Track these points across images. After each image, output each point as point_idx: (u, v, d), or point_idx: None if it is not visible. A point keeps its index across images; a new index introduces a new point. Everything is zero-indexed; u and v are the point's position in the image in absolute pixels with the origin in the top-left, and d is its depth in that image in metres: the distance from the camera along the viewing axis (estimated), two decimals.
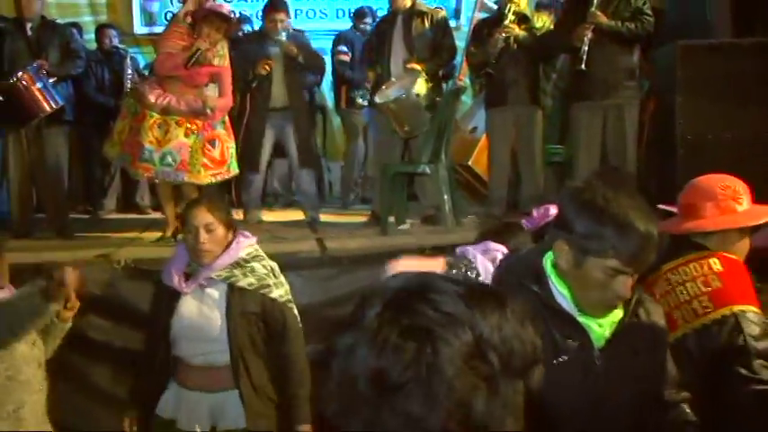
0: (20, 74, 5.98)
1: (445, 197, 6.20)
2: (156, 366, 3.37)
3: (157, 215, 7.13)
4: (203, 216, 3.26)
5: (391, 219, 6.32)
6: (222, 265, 3.26)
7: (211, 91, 5.90)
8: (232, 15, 6.10)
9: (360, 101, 7.79)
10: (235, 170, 6.03)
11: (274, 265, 3.43)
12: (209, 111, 5.74)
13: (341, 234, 6.15)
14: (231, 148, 5.97)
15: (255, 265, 3.31)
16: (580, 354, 1.97)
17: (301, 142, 6.71)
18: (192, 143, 5.72)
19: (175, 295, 3.32)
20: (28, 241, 6.05)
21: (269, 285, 3.30)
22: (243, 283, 3.25)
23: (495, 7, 6.94)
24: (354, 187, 8.51)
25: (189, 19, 5.85)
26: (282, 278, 3.41)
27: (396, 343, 0.96)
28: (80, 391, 4.77)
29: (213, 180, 5.86)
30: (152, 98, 5.75)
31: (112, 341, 4.94)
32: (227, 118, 6.02)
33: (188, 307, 3.30)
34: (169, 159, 5.67)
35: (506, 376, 0.98)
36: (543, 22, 6.47)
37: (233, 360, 3.23)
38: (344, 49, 7.85)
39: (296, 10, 8.54)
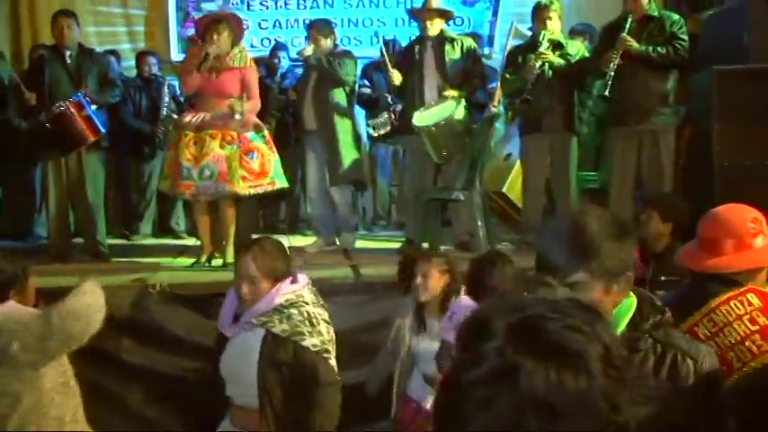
0: (66, 102, 6.09)
1: (479, 224, 6.18)
2: (213, 403, 3.39)
3: (192, 240, 7.18)
4: (248, 267, 3.20)
5: (425, 245, 6.31)
6: (259, 311, 3.21)
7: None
8: (227, 14, 6.22)
9: (371, 131, 7.78)
10: (281, 183, 5.99)
11: (317, 312, 3.29)
12: (237, 116, 5.78)
13: (375, 260, 6.15)
14: (273, 160, 5.93)
15: (293, 311, 3.21)
16: None
17: (331, 162, 6.66)
18: (229, 154, 5.72)
19: (225, 336, 3.35)
20: (65, 265, 6.12)
21: (302, 333, 3.19)
22: (277, 329, 3.18)
23: (530, 34, 6.94)
24: (384, 215, 8.53)
25: (199, 40, 6.01)
26: (324, 327, 3.27)
27: (555, 378, 0.99)
28: (114, 413, 4.79)
29: (253, 191, 5.85)
30: (186, 118, 5.88)
31: (146, 364, 4.97)
32: (266, 132, 6.02)
33: (231, 349, 3.30)
34: (207, 173, 5.69)
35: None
36: (577, 48, 6.45)
37: (261, 405, 3.19)
38: (365, 82, 7.89)
39: None
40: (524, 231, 6.56)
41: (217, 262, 5.95)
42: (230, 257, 5.83)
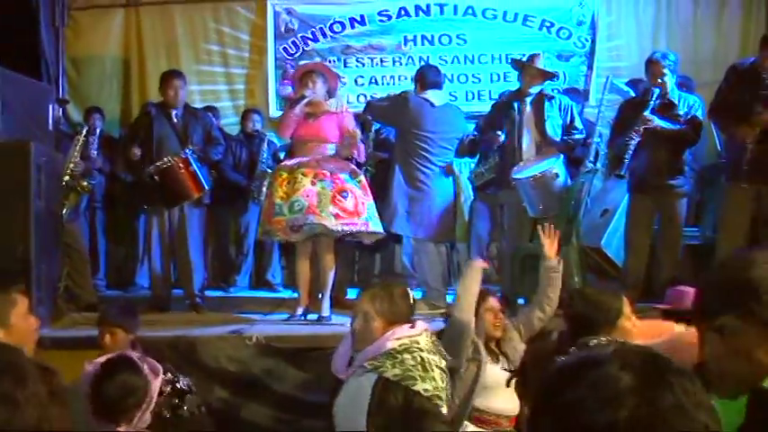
0: (174, 158, 6.30)
1: (576, 280, 6.07)
2: None
3: (288, 293, 7.25)
4: (364, 303, 3.28)
5: (521, 301, 6.22)
6: (370, 355, 3.19)
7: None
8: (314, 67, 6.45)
9: (474, 179, 7.71)
10: (376, 227, 5.95)
11: (433, 358, 3.22)
12: (356, 135, 5.94)
13: None
14: (368, 204, 5.92)
15: (406, 356, 3.16)
16: None
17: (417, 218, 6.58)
18: (320, 190, 5.75)
19: (339, 379, 3.38)
20: (165, 315, 6.26)
21: (414, 378, 3.13)
22: (389, 373, 3.13)
23: (627, 89, 6.82)
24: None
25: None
26: (438, 373, 3.20)
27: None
28: None
29: (346, 229, 5.81)
30: (285, 162, 6.10)
31: (239, 415, 5.02)
32: (362, 178, 6.05)
33: (344, 393, 3.28)
34: (297, 207, 5.71)
35: None
36: (692, 101, 6.23)
37: None
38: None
39: None
40: (624, 288, 6.38)
41: (312, 317, 5.98)
42: (326, 311, 5.87)
